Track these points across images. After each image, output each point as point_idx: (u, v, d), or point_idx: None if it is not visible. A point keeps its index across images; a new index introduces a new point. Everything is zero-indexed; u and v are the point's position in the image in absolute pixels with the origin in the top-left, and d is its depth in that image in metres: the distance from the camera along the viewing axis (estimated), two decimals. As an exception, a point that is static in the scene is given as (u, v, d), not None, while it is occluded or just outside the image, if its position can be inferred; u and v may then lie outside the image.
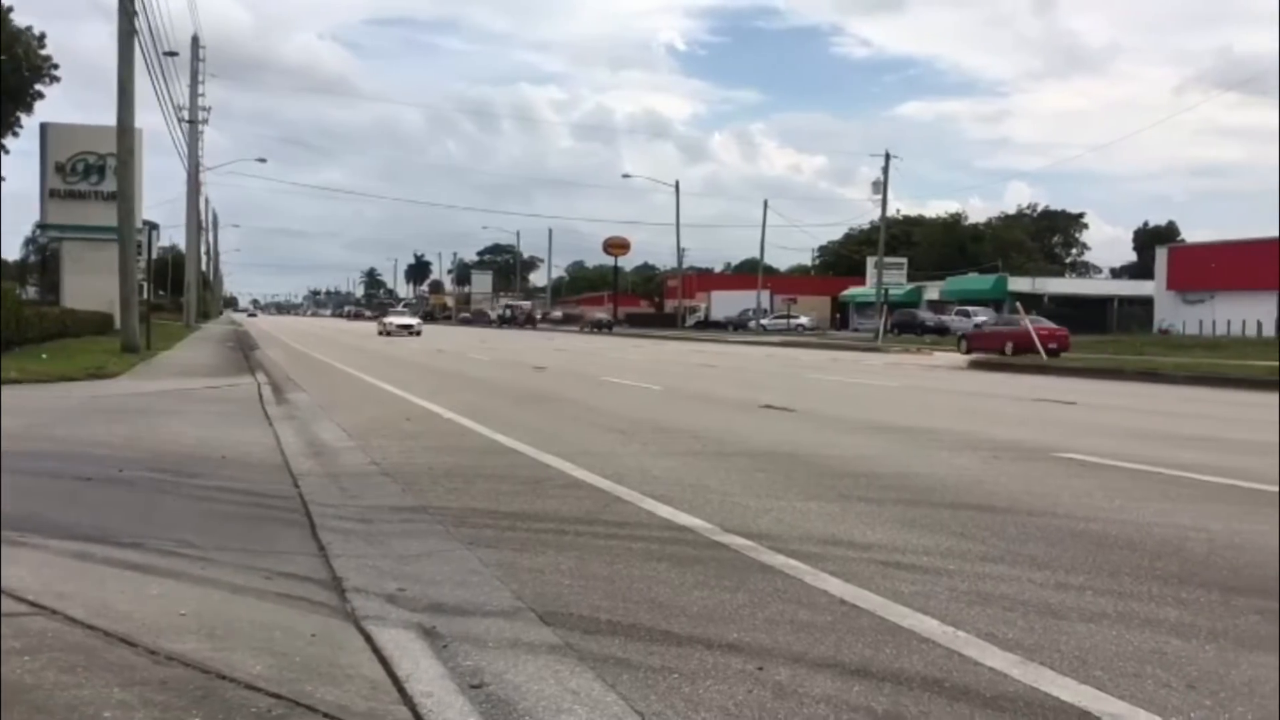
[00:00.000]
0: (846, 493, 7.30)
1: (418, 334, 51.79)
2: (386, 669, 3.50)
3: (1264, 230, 54.82)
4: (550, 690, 3.39)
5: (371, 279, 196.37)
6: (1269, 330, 41.20)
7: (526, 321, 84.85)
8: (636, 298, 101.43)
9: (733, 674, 3.57)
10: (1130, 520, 6.35)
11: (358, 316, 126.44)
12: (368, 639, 3.83)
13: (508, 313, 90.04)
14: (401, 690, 3.30)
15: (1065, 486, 7.69)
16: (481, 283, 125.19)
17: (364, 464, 8.59)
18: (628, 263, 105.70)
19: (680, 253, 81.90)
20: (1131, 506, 6.84)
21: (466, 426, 11.47)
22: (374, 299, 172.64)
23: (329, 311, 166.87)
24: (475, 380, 20.33)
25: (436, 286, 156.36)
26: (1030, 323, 31.37)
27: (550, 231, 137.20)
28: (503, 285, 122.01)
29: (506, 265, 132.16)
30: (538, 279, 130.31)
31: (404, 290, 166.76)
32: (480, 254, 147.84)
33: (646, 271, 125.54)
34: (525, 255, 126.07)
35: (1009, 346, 31.18)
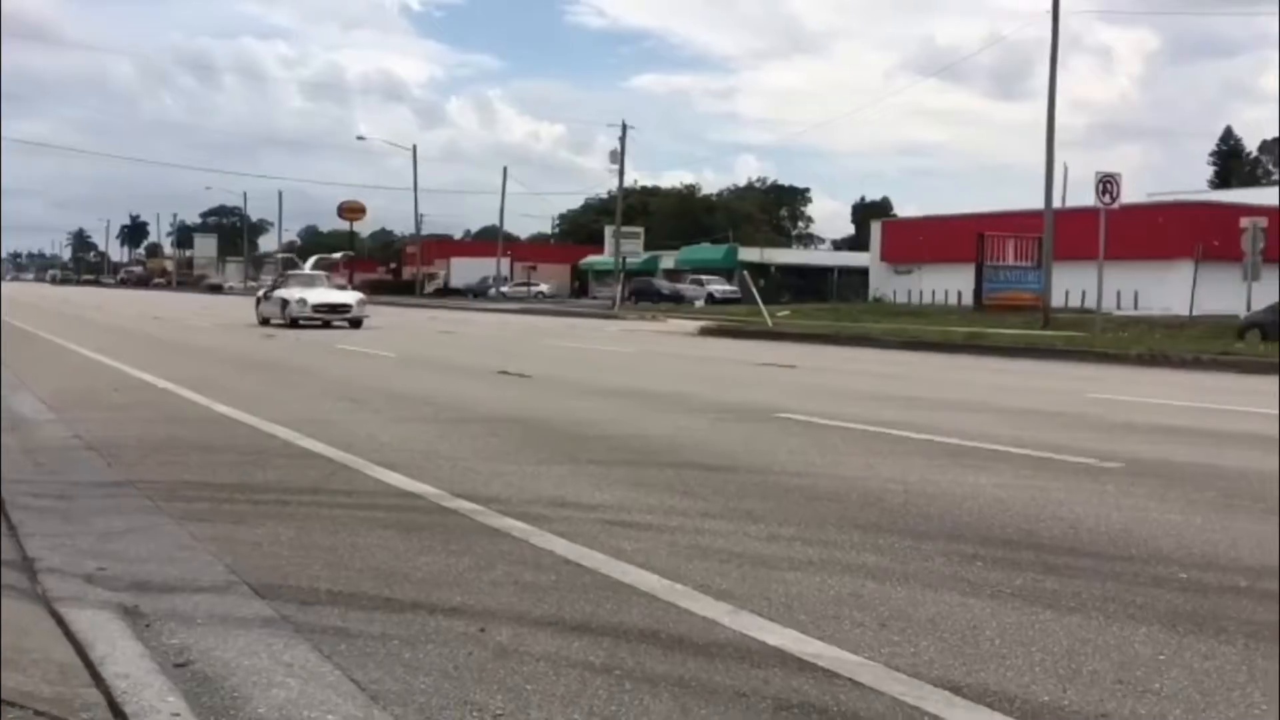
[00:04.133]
0: (577, 455, 7.41)
1: (359, 323, 26.94)
2: (79, 652, 3.28)
3: (965, 207, 59.44)
4: (262, 664, 3.27)
5: (80, 241, 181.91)
6: (968, 300, 44.74)
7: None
8: (374, 264, 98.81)
9: (454, 637, 3.56)
10: (838, 475, 6.76)
11: (64, 281, 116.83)
12: (59, 621, 3.57)
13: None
14: (95, 673, 3.10)
15: (782, 445, 8.09)
16: (205, 246, 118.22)
17: (65, 437, 7.99)
18: (364, 228, 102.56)
19: (418, 219, 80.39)
20: (840, 462, 7.28)
21: (184, 396, 10.86)
22: (84, 261, 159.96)
23: (30, 276, 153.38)
24: (197, 349, 19.26)
25: (154, 250, 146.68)
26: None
27: (280, 194, 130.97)
28: (229, 249, 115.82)
29: (233, 228, 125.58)
30: (267, 243, 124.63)
31: (117, 254, 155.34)
32: (204, 216, 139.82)
33: (384, 237, 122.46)
34: (254, 218, 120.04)
35: None
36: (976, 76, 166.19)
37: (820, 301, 52.80)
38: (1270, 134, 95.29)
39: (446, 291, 76.58)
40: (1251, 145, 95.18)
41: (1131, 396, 12.47)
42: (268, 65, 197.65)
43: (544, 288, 73.37)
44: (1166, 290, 39.76)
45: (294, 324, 26.61)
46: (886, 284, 60.11)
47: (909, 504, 5.83)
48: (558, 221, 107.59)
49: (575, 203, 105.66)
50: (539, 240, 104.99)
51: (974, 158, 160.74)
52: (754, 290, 33.20)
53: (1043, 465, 7.19)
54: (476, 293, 72.30)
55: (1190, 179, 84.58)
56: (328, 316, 27.07)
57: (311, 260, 36.53)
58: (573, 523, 5.26)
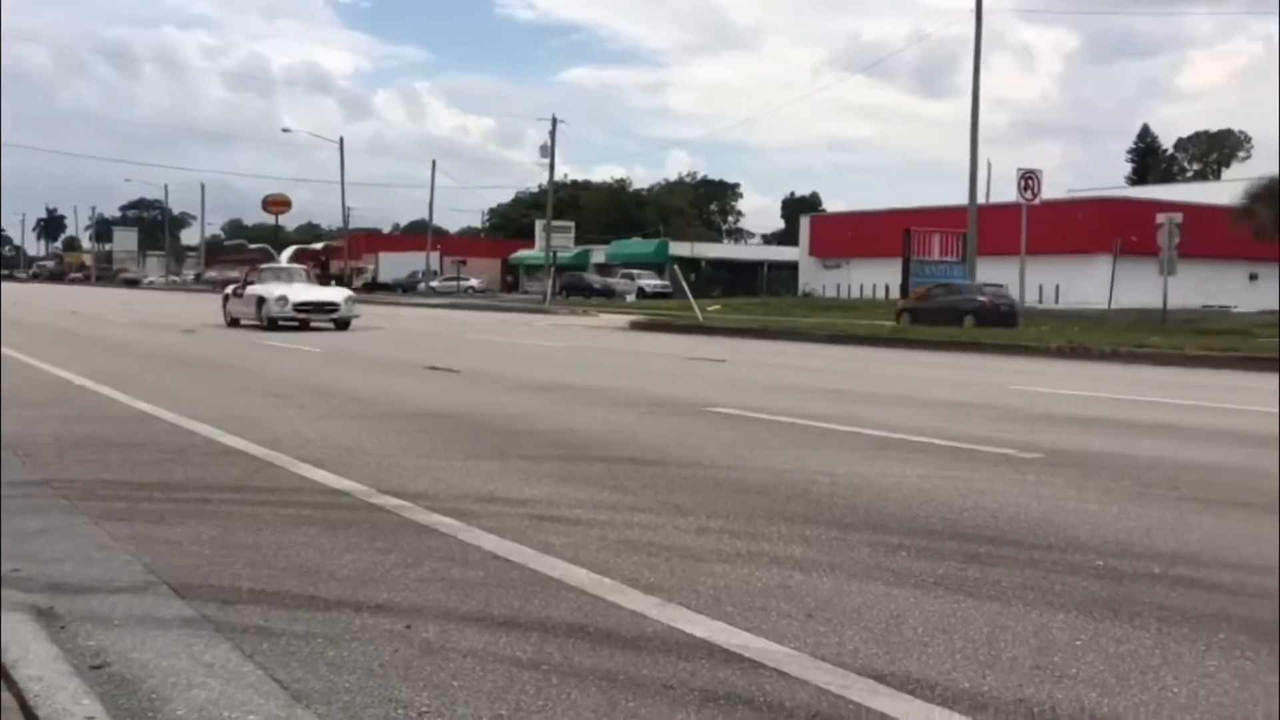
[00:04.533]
0: (506, 450, 7.37)
1: (346, 324, 23.95)
2: (-10, 656, 3.19)
3: (892, 202, 60.25)
4: (181, 665, 3.21)
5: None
6: (895, 294, 45.39)
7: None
8: (302, 258, 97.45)
9: (380, 634, 3.52)
10: (767, 468, 6.82)
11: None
12: (-31, 625, 3.47)
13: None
14: (6, 676, 3.01)
15: (712, 438, 8.13)
16: (125, 240, 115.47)
17: (-23, 436, 7.75)
18: (290, 221, 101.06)
19: (346, 212, 79.32)
20: (769, 455, 7.34)
21: (102, 394, 10.61)
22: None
23: None
24: (115, 345, 18.82)
25: (72, 244, 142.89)
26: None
27: (203, 187, 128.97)
28: (150, 243, 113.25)
29: (154, 222, 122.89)
30: (190, 237, 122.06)
31: (34, 248, 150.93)
32: (123, 209, 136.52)
33: (311, 231, 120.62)
34: (175, 211, 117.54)
35: None
36: (902, 74, 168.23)
37: (750, 296, 53.14)
38: (1185, 131, 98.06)
39: (375, 286, 75.72)
40: (1167, 142, 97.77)
41: (1051, 389, 12.73)
42: (189, 55, 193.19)
43: (474, 282, 72.87)
44: (1087, 284, 40.65)
45: (273, 325, 23.25)
46: (816, 278, 60.73)
47: (836, 496, 5.90)
48: (488, 216, 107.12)
49: (505, 197, 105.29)
50: (469, 234, 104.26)
51: (901, 153, 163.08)
52: (684, 285, 33.33)
53: (966, 456, 7.31)
54: (406, 287, 71.61)
55: (1109, 175, 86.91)
56: (311, 316, 23.86)
57: (288, 252, 33.85)
58: (501, 518, 5.24)
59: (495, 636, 3.52)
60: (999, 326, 25.15)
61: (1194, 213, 33.01)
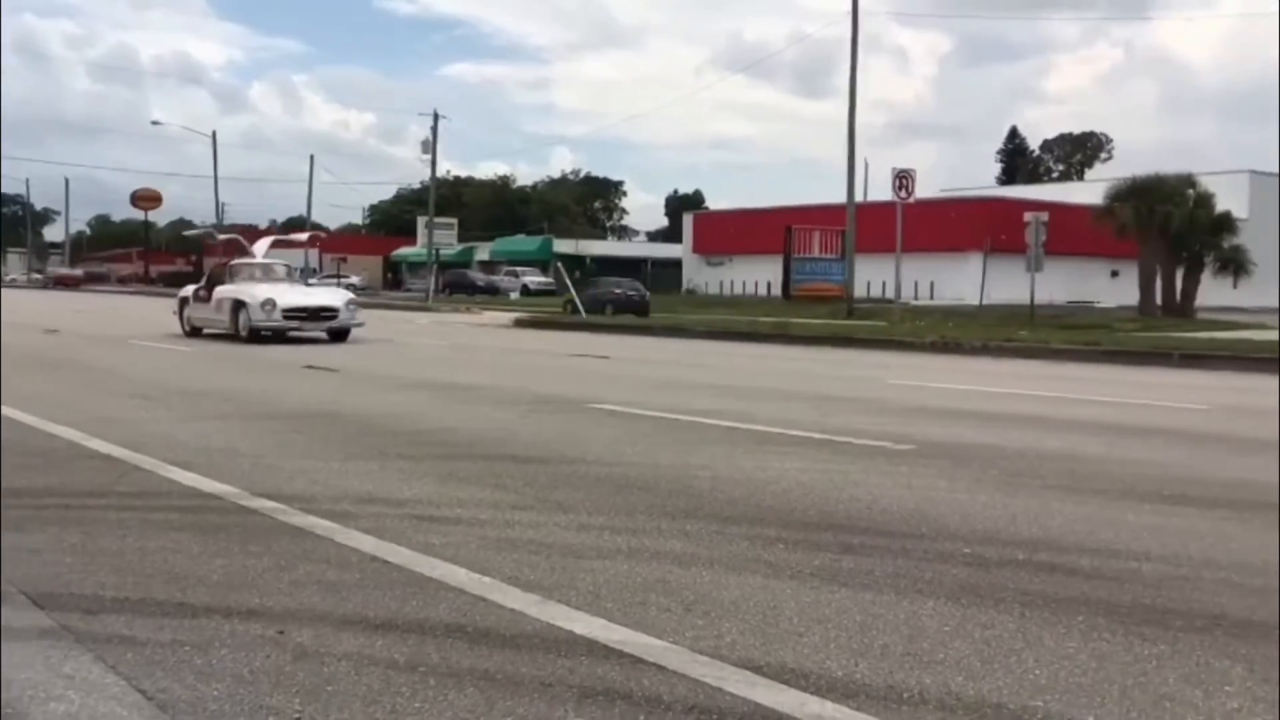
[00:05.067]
0: (386, 450, 7.26)
1: (345, 333, 20.00)
2: None
3: (774, 200, 61.16)
4: (39, 678, 3.08)
5: None
6: (777, 290, 46.05)
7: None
8: (173, 255, 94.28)
9: (251, 640, 3.44)
10: (649, 463, 6.85)
11: None
12: None
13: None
14: None
15: (595, 435, 8.15)
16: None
17: None
18: (161, 217, 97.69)
19: (220, 208, 77.08)
20: (651, 451, 7.38)
21: (-44, 397, 10.10)
22: None
23: None
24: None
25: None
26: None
27: (67, 181, 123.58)
28: (11, 240, 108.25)
29: (14, 218, 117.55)
30: (53, 233, 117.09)
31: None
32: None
33: (183, 228, 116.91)
34: (38, 207, 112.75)
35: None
36: (783, 74, 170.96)
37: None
38: (1051, 133, 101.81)
39: (251, 284, 73.45)
40: (1035, 144, 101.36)
41: (925, 382, 13.09)
42: (52, 45, 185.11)
43: (355, 279, 71.55)
44: (960, 280, 41.91)
45: (253, 337, 19.01)
46: (699, 275, 61.30)
47: (716, 490, 5.96)
48: (369, 212, 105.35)
49: (387, 193, 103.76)
50: (349, 231, 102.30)
51: (782, 152, 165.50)
52: (569, 282, 33.28)
53: (842, 449, 7.47)
54: (283, 285, 69.90)
55: (980, 175, 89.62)
56: (304, 325, 19.60)
57: (265, 243, 27.62)
58: (380, 519, 5.16)
59: (371, 639, 3.46)
60: (631, 313, 30.97)
61: (1059, 212, 34.30)
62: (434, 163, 58.44)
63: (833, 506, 5.53)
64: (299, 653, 3.33)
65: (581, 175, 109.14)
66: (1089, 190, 44.21)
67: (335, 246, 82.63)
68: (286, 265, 22.59)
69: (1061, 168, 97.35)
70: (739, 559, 4.50)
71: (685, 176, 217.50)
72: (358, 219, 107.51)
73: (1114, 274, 47.03)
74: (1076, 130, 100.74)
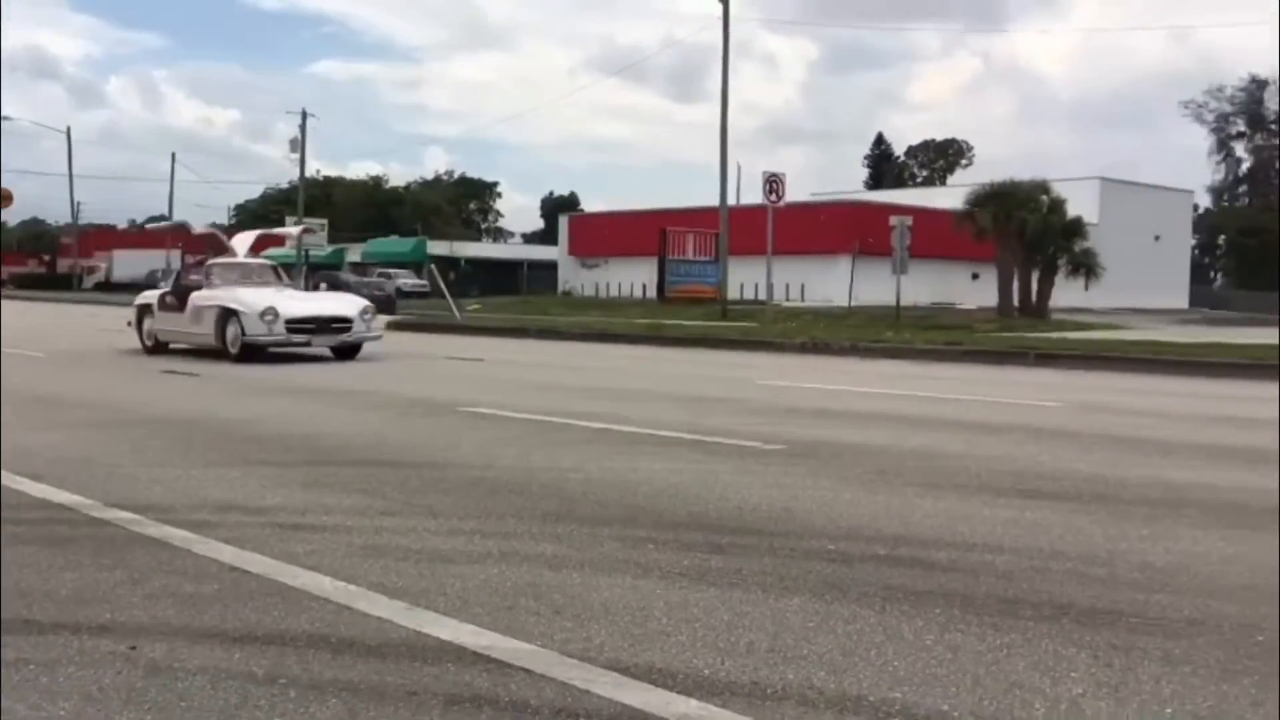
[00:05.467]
0: (249, 457, 7.07)
1: (356, 349, 16.48)
2: None
3: (648, 203, 61.54)
4: None
5: None
6: (652, 292, 46.37)
7: None
8: (24, 256, 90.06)
9: (101, 657, 3.31)
10: (521, 466, 6.82)
11: None
12: None
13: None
14: None
15: (466, 438, 8.07)
16: None
17: None
18: (12, 217, 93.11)
19: (75, 207, 74.01)
20: (524, 454, 7.34)
21: None
22: None
23: None
24: None
25: None
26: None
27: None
28: None
29: None
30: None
31: None
32: None
33: (36, 227, 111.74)
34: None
35: None
36: (656, 77, 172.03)
37: (511, 295, 53.12)
38: (915, 140, 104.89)
39: (109, 286, 71.01)
40: (899, 149, 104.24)
41: (795, 383, 13.34)
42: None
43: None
44: (830, 282, 42.81)
45: (248, 354, 15.42)
46: (575, 277, 61.26)
47: (588, 492, 5.97)
48: (234, 212, 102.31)
49: (253, 192, 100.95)
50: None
51: (657, 155, 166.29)
52: (443, 284, 32.89)
53: (713, 450, 7.56)
54: (145, 287, 67.53)
55: (848, 180, 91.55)
56: (314, 338, 16.02)
57: (248, 239, 19.79)
58: (242, 528, 5.02)
59: (229, 652, 3.36)
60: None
61: (923, 216, 35.31)
62: (303, 161, 57.22)
63: (703, 507, 5.59)
64: (151, 668, 3.22)
65: (456, 176, 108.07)
66: (951, 195, 45.59)
67: (200, 247, 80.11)
68: (274, 265, 18.54)
69: (925, 173, 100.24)
70: (609, 561, 4.52)
71: (561, 178, 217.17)
72: (223, 219, 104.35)
73: (975, 276, 48.60)
74: (939, 137, 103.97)
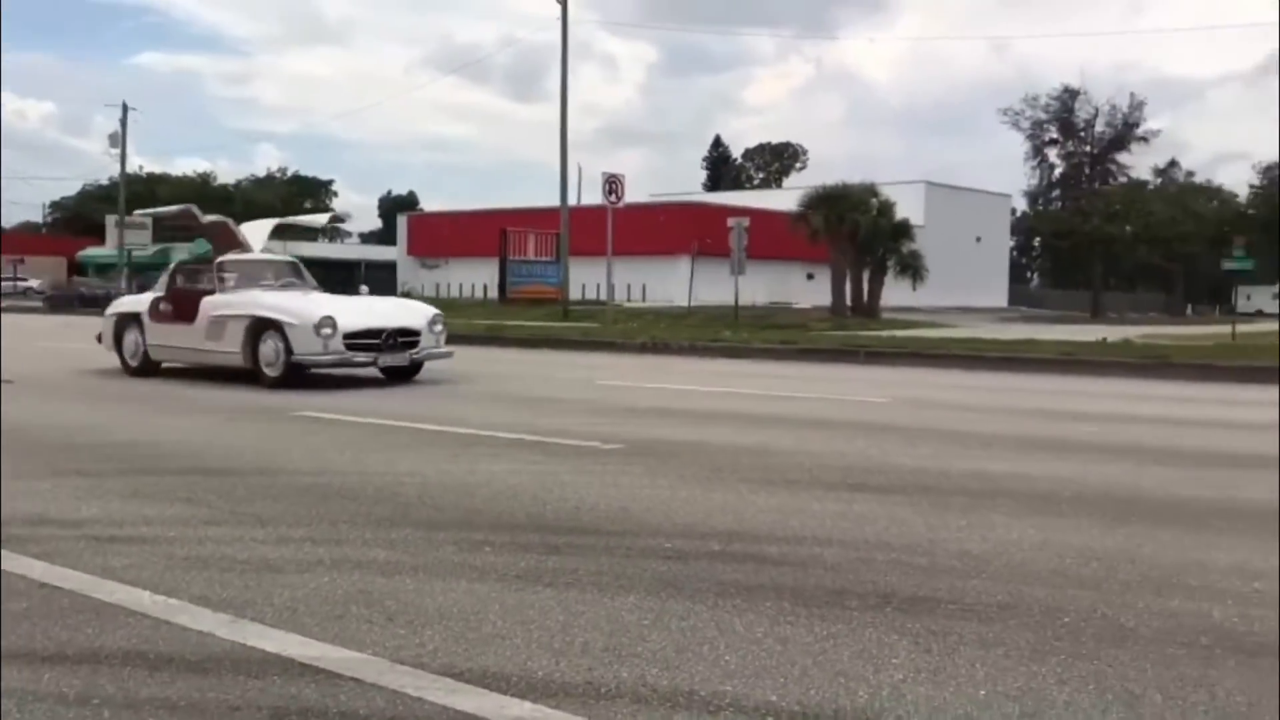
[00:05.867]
0: (62, 466, 6.71)
1: (417, 368, 13.10)
2: None
3: (489, 203, 61.12)
4: None
5: None
6: (493, 293, 46.06)
7: None
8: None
9: (-108, 685, 3.09)
10: (355, 471, 6.67)
11: None
12: None
13: None
14: None
15: (298, 444, 7.86)
16: None
17: None
18: None
19: None
20: (358, 458, 7.19)
21: None
22: None
23: None
24: None
25: None
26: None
27: None
28: None
29: None
30: None
31: None
32: None
33: None
34: None
35: None
36: (495, 77, 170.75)
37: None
38: (751, 143, 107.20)
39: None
40: (737, 152, 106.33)
41: (636, 382, 13.46)
42: None
43: (35, 283, 65.77)
44: (670, 283, 43.34)
45: (291, 377, 11.96)
46: (415, 278, 60.32)
47: (424, 496, 5.89)
48: (50, 209, 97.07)
49: (71, 189, 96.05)
50: (28, 230, 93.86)
51: (497, 154, 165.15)
52: (275, 284, 31.94)
53: (552, 450, 7.55)
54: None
55: (687, 181, 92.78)
56: (380, 356, 12.54)
57: (263, 228, 15.30)
58: (54, 542, 4.77)
59: (38, 673, 3.19)
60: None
61: (760, 218, 36.05)
62: (124, 157, 54.69)
63: (540, 508, 5.58)
64: (-50, 695, 3.03)
65: (289, 174, 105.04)
66: (786, 197, 46.78)
67: (12, 247, 75.68)
68: (296, 263, 14.85)
69: (762, 175, 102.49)
70: (445, 565, 4.46)
71: (400, 177, 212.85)
72: (37, 217, 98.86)
73: (809, 276, 49.97)
74: (775, 140, 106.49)
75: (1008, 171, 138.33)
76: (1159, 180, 78.71)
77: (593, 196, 39.69)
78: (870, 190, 38.33)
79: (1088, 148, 73.50)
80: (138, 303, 14.61)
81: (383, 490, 6.03)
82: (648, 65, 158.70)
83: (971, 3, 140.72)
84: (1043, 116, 72.84)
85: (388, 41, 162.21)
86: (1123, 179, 71.48)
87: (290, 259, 15.69)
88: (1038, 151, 75.63)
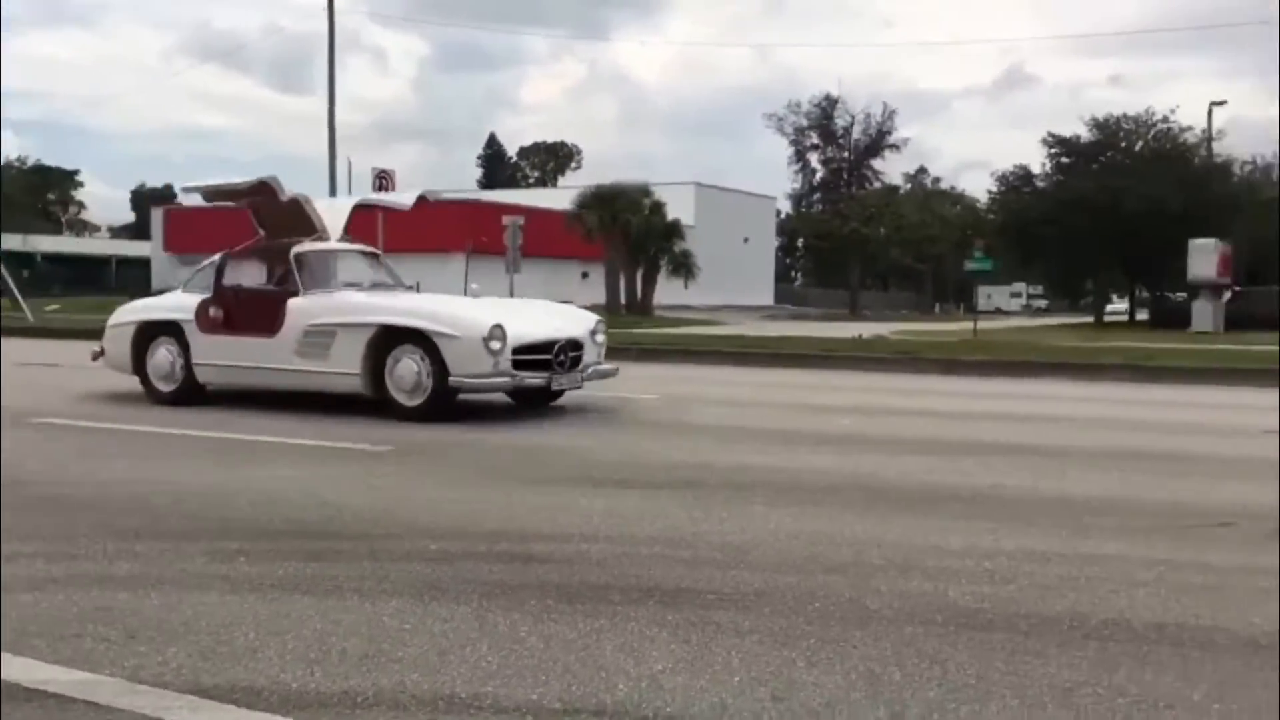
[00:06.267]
0: None
1: (558, 392, 10.02)
2: None
3: (253, 197, 58.45)
4: None
5: None
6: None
7: None
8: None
9: None
10: (100, 480, 6.29)
11: None
12: None
13: None
14: None
15: (35, 452, 7.31)
16: None
17: None
18: None
19: None
20: (102, 466, 6.78)
21: None
22: None
23: None
24: None
25: None
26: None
27: None
28: None
29: None
30: None
31: None
32: None
33: None
34: None
35: None
36: (258, 66, 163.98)
37: (99, 294, 48.72)
38: (527, 141, 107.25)
39: None
40: (512, 150, 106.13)
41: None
42: None
43: None
44: (444, 280, 42.60)
45: (433, 407, 8.92)
46: (172, 275, 56.98)
47: (179, 505, 5.60)
48: None
49: None
50: None
51: (261, 146, 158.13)
52: (10, 282, 29.56)
53: (319, 454, 7.33)
54: None
55: (462, 179, 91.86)
56: (553, 377, 9.51)
57: (345, 206, 12.55)
58: None
59: None
60: None
61: (535, 216, 36.14)
62: None
63: (301, 514, 5.40)
64: None
65: (30, 163, 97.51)
66: (562, 196, 47.03)
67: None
68: (376, 253, 12.10)
69: (537, 174, 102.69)
70: (195, 577, 4.25)
71: (155, 168, 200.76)
72: None
73: (585, 275, 50.35)
74: (550, 139, 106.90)
75: (773, 175, 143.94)
76: (909, 185, 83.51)
77: (363, 192, 38.70)
78: (643, 190, 39.01)
79: (846, 154, 77.21)
80: (171, 307, 11.24)
81: (132, 500, 5.69)
82: (420, 60, 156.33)
83: (737, 10, 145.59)
84: (804, 123, 75.99)
85: (140, 25, 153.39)
86: (878, 184, 75.45)
87: (372, 249, 12.24)
88: (800, 156, 78.85)
